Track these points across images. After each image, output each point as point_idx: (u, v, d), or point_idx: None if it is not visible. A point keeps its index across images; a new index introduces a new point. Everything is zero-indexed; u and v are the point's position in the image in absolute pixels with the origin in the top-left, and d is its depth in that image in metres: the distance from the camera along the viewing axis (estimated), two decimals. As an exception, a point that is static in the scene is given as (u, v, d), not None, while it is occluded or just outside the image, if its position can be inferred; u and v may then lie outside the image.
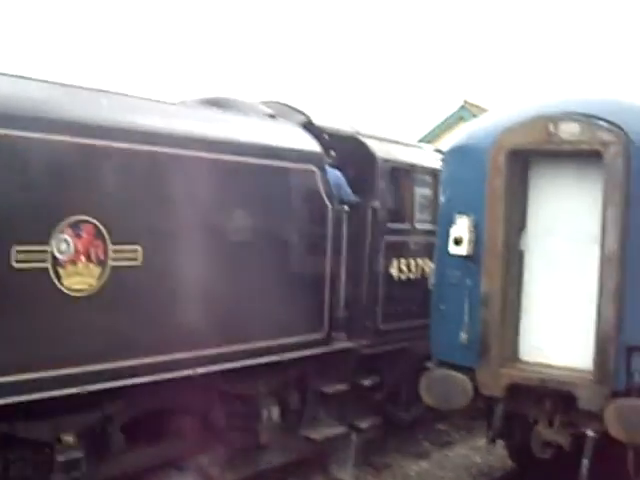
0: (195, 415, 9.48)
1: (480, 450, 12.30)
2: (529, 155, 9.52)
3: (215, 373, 9.00)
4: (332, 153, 11.20)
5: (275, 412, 9.99)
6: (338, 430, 11.04)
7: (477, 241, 9.53)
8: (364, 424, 11.48)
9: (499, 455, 11.72)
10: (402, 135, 13.37)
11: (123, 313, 8.03)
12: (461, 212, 9.64)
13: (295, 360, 10.01)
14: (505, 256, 9.41)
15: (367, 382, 11.48)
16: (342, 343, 10.92)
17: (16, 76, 7.58)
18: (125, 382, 7.94)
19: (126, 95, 8.58)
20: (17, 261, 7.03)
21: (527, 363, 9.49)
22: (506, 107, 10.26)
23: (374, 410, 11.94)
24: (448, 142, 11.17)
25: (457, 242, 9.57)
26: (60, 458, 7.65)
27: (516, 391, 9.28)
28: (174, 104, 9.55)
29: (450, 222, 9.70)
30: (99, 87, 8.33)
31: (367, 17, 60.87)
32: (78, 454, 7.80)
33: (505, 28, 59.01)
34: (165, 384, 8.39)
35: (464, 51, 62.40)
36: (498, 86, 54.24)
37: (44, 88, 7.72)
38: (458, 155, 10.08)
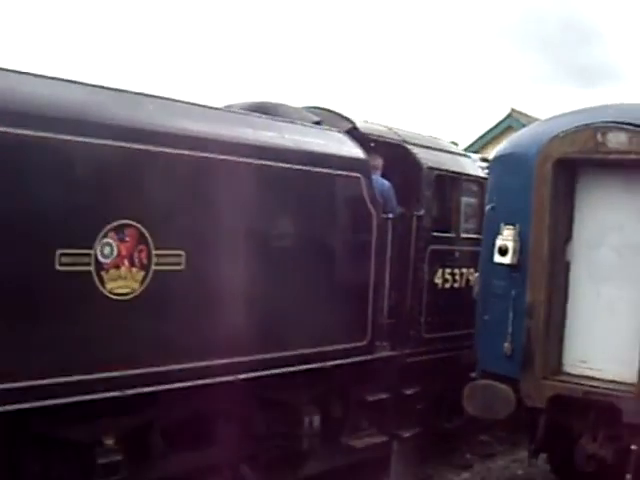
0: (236, 421, 9.48)
1: (522, 462, 12.16)
2: (576, 164, 9.44)
3: (256, 379, 8.98)
4: (381, 162, 11.15)
5: (317, 420, 9.93)
6: (380, 439, 11.00)
7: (522, 251, 9.46)
8: (406, 433, 11.41)
9: (541, 468, 11.59)
10: (448, 143, 13.29)
11: (165, 318, 8.03)
12: (507, 221, 9.58)
13: (337, 368, 9.96)
14: (551, 266, 9.33)
15: (410, 391, 11.40)
16: (385, 351, 10.87)
17: (61, 79, 7.61)
18: (166, 387, 7.95)
19: (172, 100, 8.60)
20: (61, 264, 7.06)
21: (571, 375, 9.40)
22: (553, 116, 10.17)
23: (416, 420, 11.86)
24: (495, 151, 11.10)
25: (502, 251, 9.50)
26: (100, 461, 7.67)
27: (559, 403, 9.20)
28: (220, 109, 9.57)
29: (496, 231, 9.63)
30: (145, 92, 8.35)
31: (412, 22, 60.82)
32: (118, 457, 7.82)
33: (553, 35, 58.60)
34: (206, 389, 8.38)
35: (511, 58, 62.08)
36: (547, 94, 53.97)
37: (89, 92, 7.75)
38: (504, 163, 10.02)
